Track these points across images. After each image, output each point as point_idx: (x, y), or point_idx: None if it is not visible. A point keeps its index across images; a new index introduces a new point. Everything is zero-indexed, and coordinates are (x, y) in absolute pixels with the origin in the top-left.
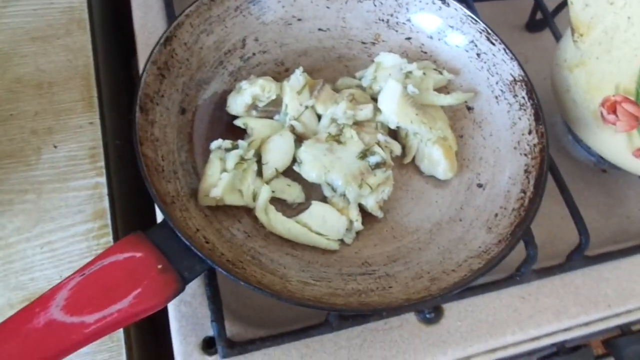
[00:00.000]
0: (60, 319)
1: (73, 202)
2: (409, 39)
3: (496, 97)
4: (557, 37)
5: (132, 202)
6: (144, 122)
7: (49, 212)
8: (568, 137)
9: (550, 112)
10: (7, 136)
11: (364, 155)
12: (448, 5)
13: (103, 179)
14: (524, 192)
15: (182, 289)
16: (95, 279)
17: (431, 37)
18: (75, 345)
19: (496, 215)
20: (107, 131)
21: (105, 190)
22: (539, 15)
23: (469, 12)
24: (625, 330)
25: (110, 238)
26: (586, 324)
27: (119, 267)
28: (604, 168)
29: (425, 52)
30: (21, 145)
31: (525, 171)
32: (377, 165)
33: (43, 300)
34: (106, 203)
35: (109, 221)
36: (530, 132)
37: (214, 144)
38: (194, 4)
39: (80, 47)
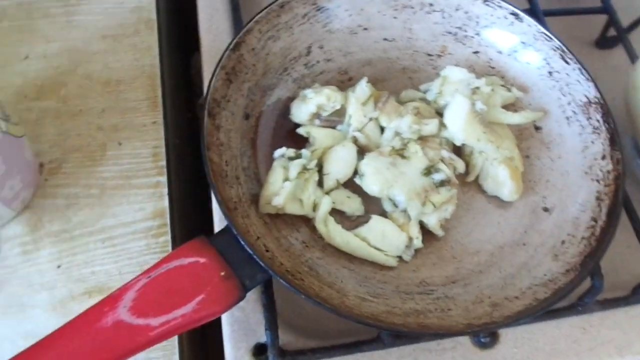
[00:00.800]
0: (127, 320)
1: (134, 199)
2: (476, 52)
3: (567, 118)
4: (631, 55)
5: (188, 201)
6: (211, 126)
7: (111, 208)
8: (637, 162)
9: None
10: (75, 131)
11: (428, 171)
12: (521, 20)
13: (164, 178)
14: (595, 220)
15: (242, 297)
16: (160, 282)
17: (500, 52)
18: (140, 347)
19: (563, 242)
20: (169, 128)
21: (165, 190)
22: (611, 32)
23: (543, 29)
24: None
25: (168, 237)
26: None
27: (183, 271)
28: None
29: (493, 67)
30: (88, 140)
31: (597, 198)
32: (442, 183)
33: (111, 300)
34: (166, 202)
35: (167, 220)
36: (604, 158)
37: (278, 152)
38: (264, 10)
39: (147, 47)
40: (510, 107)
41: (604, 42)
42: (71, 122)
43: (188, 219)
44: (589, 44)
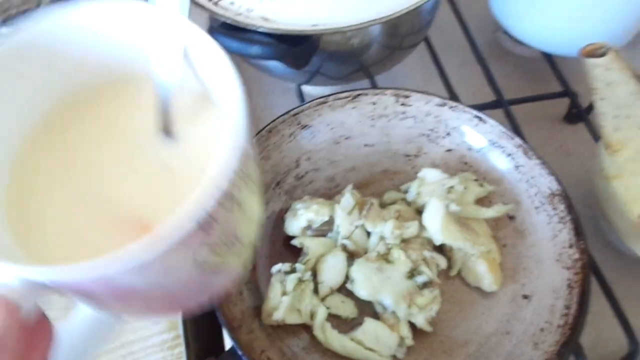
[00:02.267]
0: None
1: None
2: (449, 150)
3: (536, 208)
4: (594, 134)
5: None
6: None
7: (130, 324)
8: (614, 235)
9: (594, 206)
10: None
11: (411, 274)
12: (485, 122)
13: None
14: (567, 307)
15: None
16: None
17: (471, 149)
18: None
19: (542, 330)
20: None
21: None
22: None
23: (504, 129)
24: None
25: (182, 348)
26: None
27: None
28: None
29: (466, 163)
30: None
31: (569, 286)
32: (425, 285)
33: None
34: (179, 315)
35: (181, 332)
36: (571, 246)
37: (274, 268)
38: (255, 137)
39: None
40: (484, 199)
41: (572, 118)
42: None
43: (200, 328)
44: (559, 119)
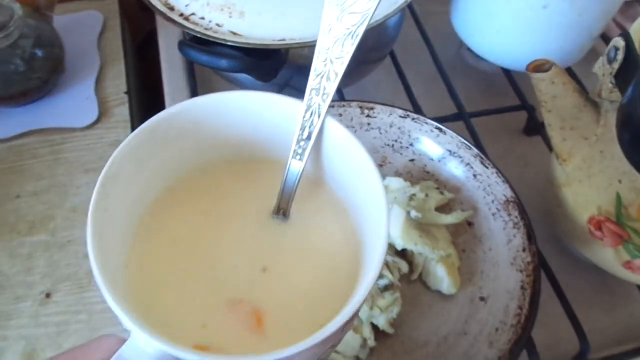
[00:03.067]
0: None
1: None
2: (412, 160)
3: (493, 215)
4: (549, 146)
5: None
6: None
7: (99, 331)
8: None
9: (550, 214)
10: (64, 261)
11: None
12: (445, 133)
13: None
14: (520, 308)
15: None
16: None
17: (432, 159)
18: None
19: (497, 329)
20: None
21: None
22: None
23: (463, 140)
24: None
25: None
26: None
27: None
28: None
29: (428, 172)
30: (76, 269)
31: (522, 287)
32: (386, 288)
33: None
34: None
35: None
36: (524, 250)
37: None
38: None
39: None
40: (445, 206)
41: (530, 130)
42: (60, 253)
43: None
44: (518, 131)
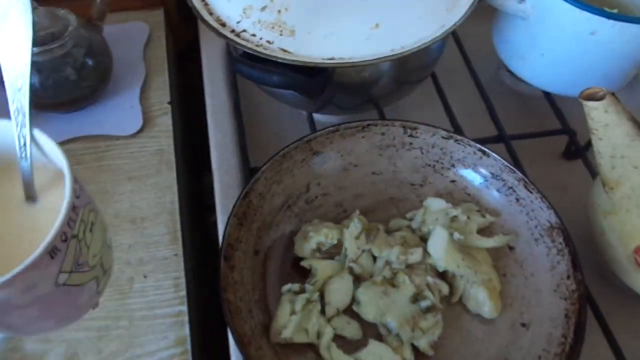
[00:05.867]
0: None
1: (159, 328)
2: (453, 182)
3: (536, 240)
4: (591, 171)
5: (206, 327)
6: (226, 269)
7: (138, 338)
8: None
9: (591, 240)
10: None
11: (415, 299)
12: (488, 156)
13: (185, 308)
14: (564, 337)
15: None
16: None
17: (473, 182)
18: None
19: (539, 357)
20: (187, 261)
21: (186, 318)
22: (574, 148)
23: (507, 163)
24: None
25: None
26: None
27: None
28: None
29: (469, 194)
30: (117, 275)
31: (566, 316)
32: (428, 310)
33: None
34: (187, 330)
35: (189, 347)
36: (569, 278)
37: (285, 288)
38: (269, 161)
39: (168, 186)
40: (486, 229)
41: (570, 154)
42: None
43: (206, 343)
44: (557, 156)
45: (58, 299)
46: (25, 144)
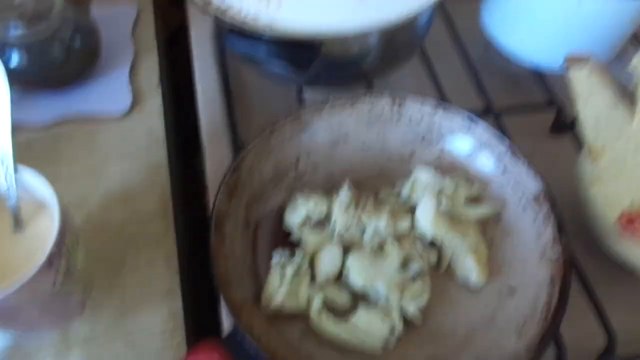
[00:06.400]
0: None
1: (152, 304)
2: (442, 153)
3: (523, 208)
4: (579, 144)
5: (199, 301)
6: (217, 241)
7: (132, 313)
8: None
9: (577, 212)
10: (98, 245)
11: (404, 265)
12: (476, 125)
13: (177, 283)
14: (549, 301)
15: None
16: None
17: (462, 153)
18: None
19: (525, 322)
20: (179, 234)
21: (179, 293)
22: (562, 122)
23: (495, 132)
24: None
25: (183, 336)
26: None
27: None
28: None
29: (458, 165)
30: (109, 253)
31: (551, 281)
32: (416, 275)
33: None
34: (179, 304)
35: (182, 321)
36: (554, 244)
37: (275, 257)
38: (258, 137)
39: (158, 164)
40: (474, 199)
41: (558, 129)
42: (94, 237)
43: (198, 315)
44: (545, 129)
45: (54, 303)
46: (9, 188)
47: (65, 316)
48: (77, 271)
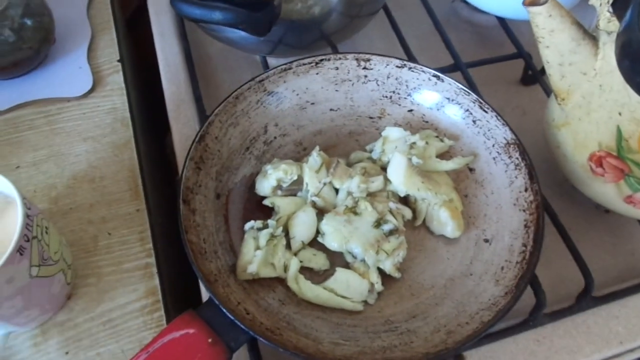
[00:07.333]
0: None
1: (128, 282)
2: (411, 111)
3: (494, 159)
4: (547, 92)
5: (177, 275)
6: (187, 212)
7: (107, 293)
8: (569, 183)
9: (550, 160)
10: (68, 228)
11: (378, 224)
12: (442, 80)
13: (152, 260)
14: (525, 245)
15: (230, 358)
16: (158, 356)
17: (431, 108)
18: None
19: (502, 268)
20: (151, 212)
21: (154, 269)
22: (531, 72)
23: (462, 86)
24: None
25: (162, 312)
26: None
27: (176, 343)
28: (606, 209)
29: (427, 122)
30: (80, 235)
31: (525, 226)
32: (391, 232)
33: None
34: (156, 281)
35: (160, 297)
36: (526, 190)
37: (247, 225)
38: (222, 103)
39: (125, 143)
40: (446, 154)
41: (527, 79)
42: (64, 220)
43: (179, 291)
44: (515, 82)
45: (35, 289)
46: None
47: (52, 301)
48: (54, 256)
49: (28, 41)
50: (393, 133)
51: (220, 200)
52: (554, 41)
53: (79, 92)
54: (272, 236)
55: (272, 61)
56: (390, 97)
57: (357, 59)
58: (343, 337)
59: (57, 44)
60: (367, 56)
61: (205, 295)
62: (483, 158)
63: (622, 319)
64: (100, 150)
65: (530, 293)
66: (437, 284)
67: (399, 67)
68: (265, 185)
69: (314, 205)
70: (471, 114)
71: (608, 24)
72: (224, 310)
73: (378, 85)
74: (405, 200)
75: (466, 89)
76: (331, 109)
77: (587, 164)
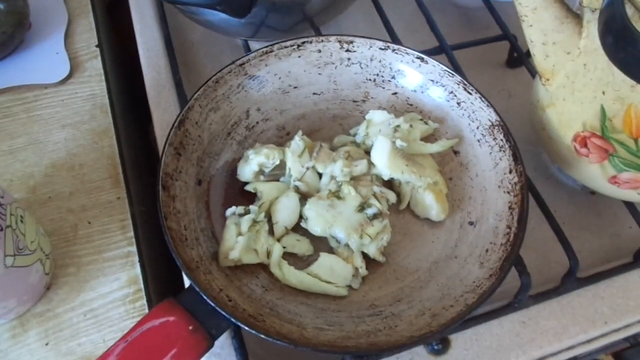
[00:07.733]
0: None
1: (109, 271)
2: (395, 94)
3: (478, 141)
4: (532, 74)
5: (159, 263)
6: (166, 198)
7: (88, 282)
8: (554, 165)
9: (535, 142)
10: (47, 217)
11: (361, 208)
12: (426, 62)
13: (133, 248)
14: (509, 227)
15: (211, 346)
16: (137, 344)
17: (415, 91)
18: None
19: (487, 250)
20: (133, 200)
21: (136, 258)
22: (516, 54)
23: (445, 67)
24: (633, 343)
25: (144, 301)
26: (588, 341)
27: (156, 331)
28: (591, 190)
29: (411, 105)
30: (60, 224)
31: (510, 208)
32: (375, 216)
33: None
34: (138, 269)
35: (141, 285)
36: (510, 172)
37: (229, 211)
38: (201, 87)
39: (104, 130)
40: (430, 137)
41: (512, 62)
42: (42, 209)
43: (162, 280)
44: (500, 65)
45: (12, 279)
46: None
47: (30, 292)
48: (30, 245)
49: (2, 26)
50: (377, 116)
51: (202, 187)
52: (537, 19)
53: (57, 79)
54: (255, 222)
55: (254, 45)
56: (374, 80)
57: (339, 41)
58: (327, 322)
59: (33, 29)
60: (350, 38)
61: (188, 283)
62: (467, 140)
63: (607, 300)
64: (80, 137)
65: (516, 275)
66: (421, 267)
67: (383, 49)
68: (247, 171)
69: (296, 190)
70: (455, 95)
71: (592, 1)
72: (205, 297)
73: (362, 68)
74: (389, 184)
75: (450, 71)
76: (314, 93)
77: (571, 144)
